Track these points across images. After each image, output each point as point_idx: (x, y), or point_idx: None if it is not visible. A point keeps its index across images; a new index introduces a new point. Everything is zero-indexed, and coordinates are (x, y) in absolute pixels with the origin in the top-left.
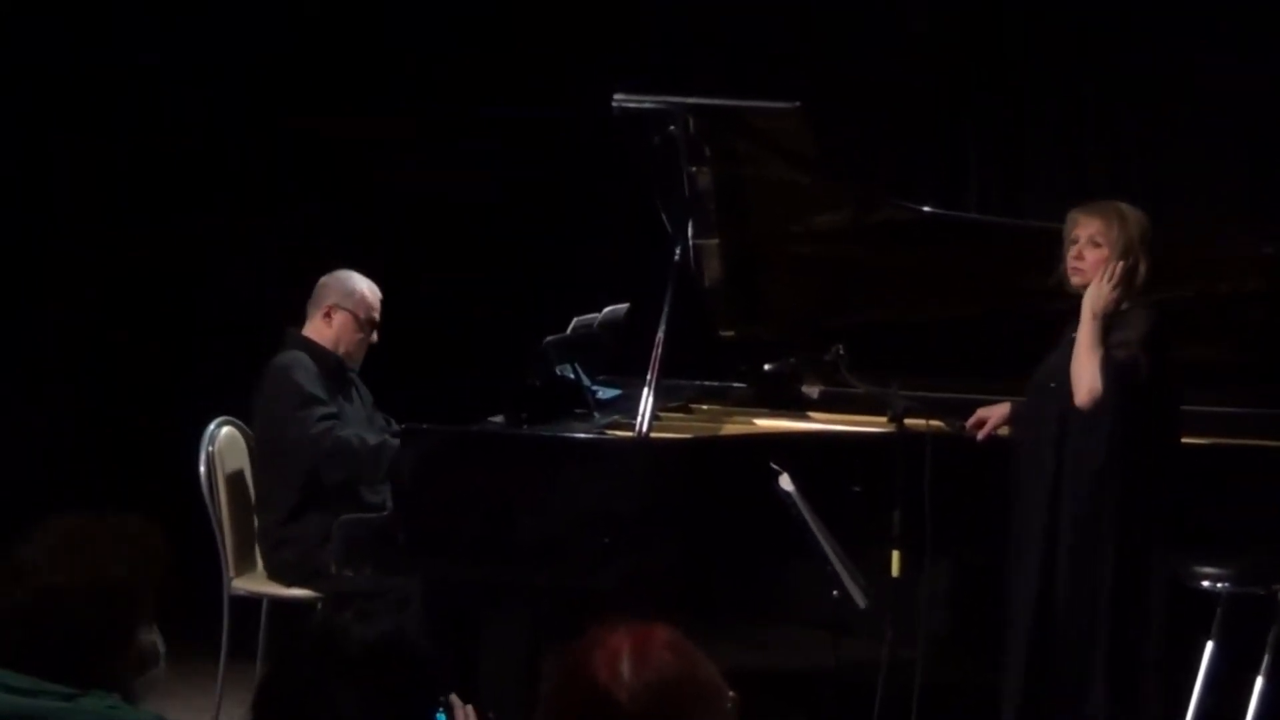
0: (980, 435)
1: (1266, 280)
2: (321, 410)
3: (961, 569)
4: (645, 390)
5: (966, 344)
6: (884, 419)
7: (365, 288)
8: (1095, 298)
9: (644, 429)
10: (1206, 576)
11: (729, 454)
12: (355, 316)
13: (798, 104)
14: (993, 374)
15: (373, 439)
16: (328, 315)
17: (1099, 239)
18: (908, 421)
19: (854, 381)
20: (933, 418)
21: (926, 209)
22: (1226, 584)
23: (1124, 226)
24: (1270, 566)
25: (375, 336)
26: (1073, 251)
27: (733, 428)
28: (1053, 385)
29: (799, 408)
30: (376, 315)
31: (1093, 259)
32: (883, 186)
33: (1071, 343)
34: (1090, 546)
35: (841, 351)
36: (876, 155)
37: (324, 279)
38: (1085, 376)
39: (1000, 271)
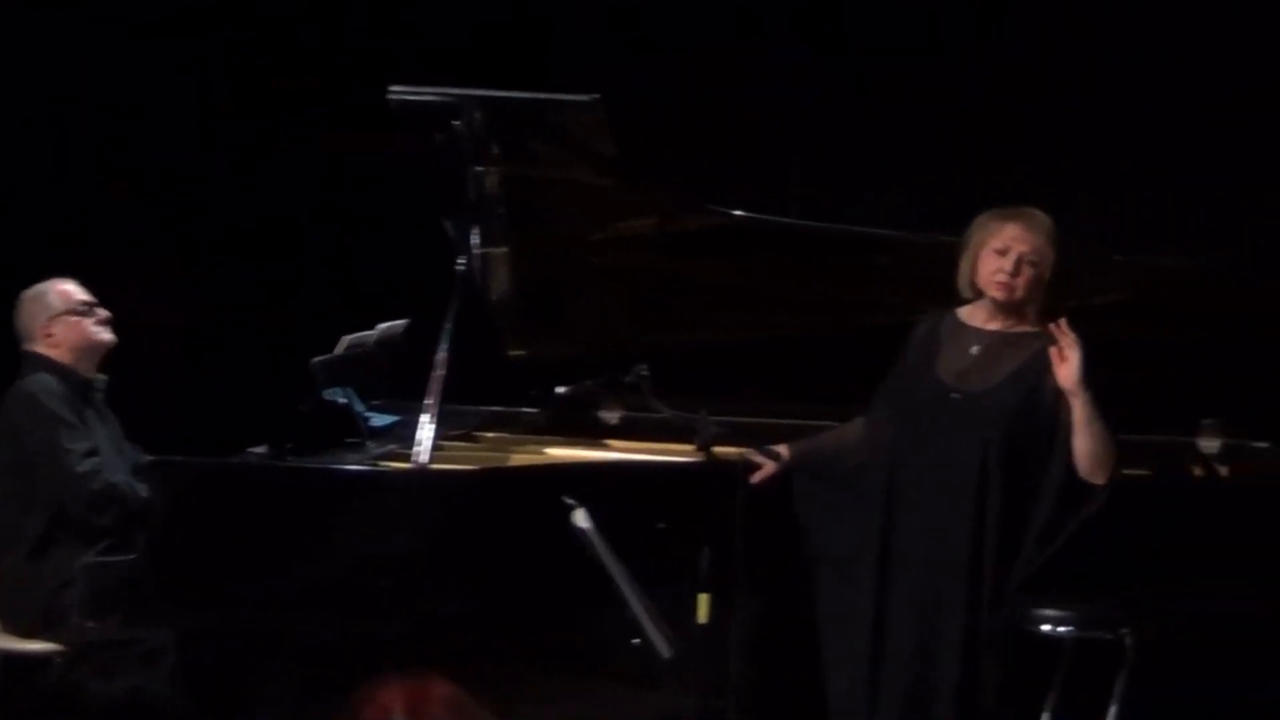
0: (755, 479)
1: (1125, 292)
2: (86, 445)
3: (777, 612)
4: (425, 417)
5: (785, 364)
6: (691, 448)
7: (54, 286)
8: (1078, 374)
9: (423, 460)
10: (1048, 620)
11: (518, 487)
12: (70, 312)
13: (596, 97)
14: (814, 397)
15: (143, 489)
16: (49, 335)
17: (1036, 259)
18: (717, 450)
19: (658, 406)
20: (745, 446)
21: (740, 213)
22: (1071, 628)
23: (1054, 248)
24: (1118, 609)
25: (110, 333)
26: (1004, 264)
27: (522, 458)
28: (955, 396)
29: (596, 435)
30: (85, 294)
31: (1027, 279)
32: (692, 190)
33: (928, 347)
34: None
35: (644, 372)
36: (687, 156)
37: (17, 311)
38: (1107, 456)
39: (823, 283)
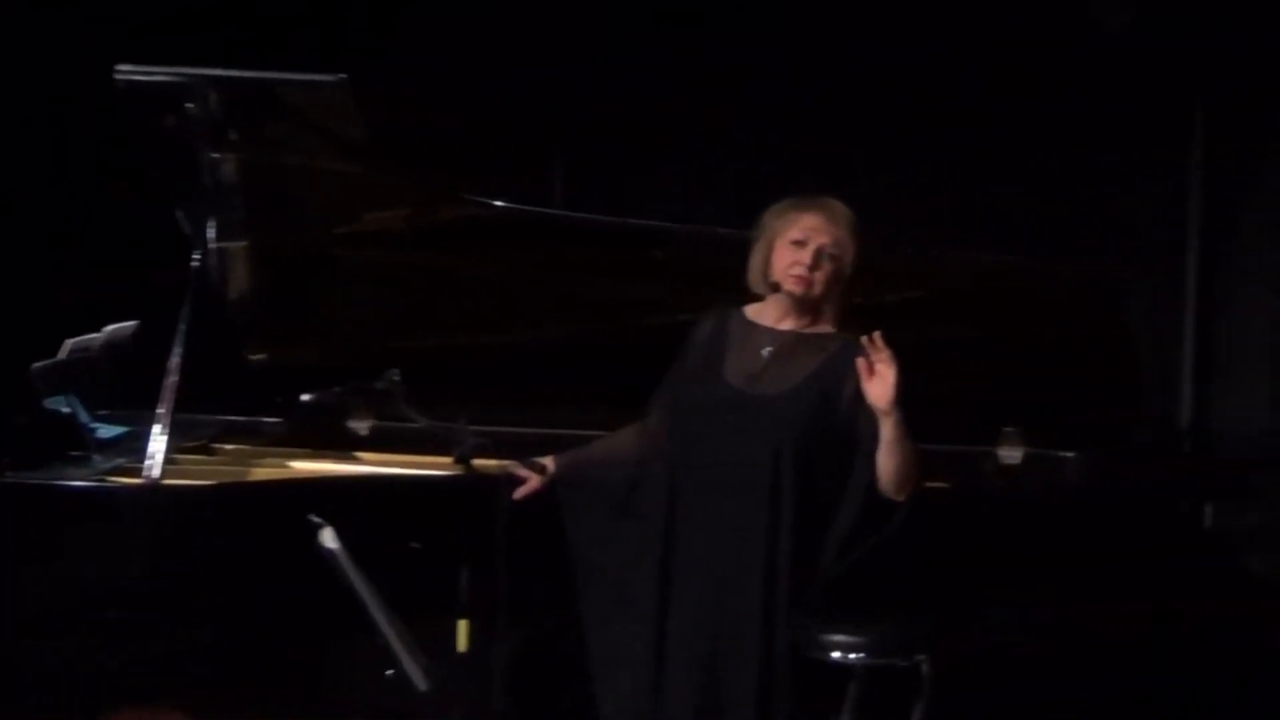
0: (518, 495)
1: (920, 289)
2: None
3: (544, 639)
4: (157, 427)
5: (552, 369)
6: (449, 460)
7: None
8: (892, 394)
9: (155, 475)
10: (838, 647)
11: (260, 504)
12: None
13: (342, 77)
14: (584, 404)
15: None
16: None
17: (836, 252)
18: (477, 463)
19: (412, 414)
20: (508, 458)
21: (500, 204)
22: (862, 654)
23: (855, 241)
24: (913, 633)
25: None
26: (802, 257)
27: (264, 472)
28: (744, 399)
29: (345, 447)
30: None
31: (826, 273)
32: (449, 178)
33: (717, 337)
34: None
35: (397, 378)
36: (446, 145)
37: None
38: (912, 474)
39: (593, 280)
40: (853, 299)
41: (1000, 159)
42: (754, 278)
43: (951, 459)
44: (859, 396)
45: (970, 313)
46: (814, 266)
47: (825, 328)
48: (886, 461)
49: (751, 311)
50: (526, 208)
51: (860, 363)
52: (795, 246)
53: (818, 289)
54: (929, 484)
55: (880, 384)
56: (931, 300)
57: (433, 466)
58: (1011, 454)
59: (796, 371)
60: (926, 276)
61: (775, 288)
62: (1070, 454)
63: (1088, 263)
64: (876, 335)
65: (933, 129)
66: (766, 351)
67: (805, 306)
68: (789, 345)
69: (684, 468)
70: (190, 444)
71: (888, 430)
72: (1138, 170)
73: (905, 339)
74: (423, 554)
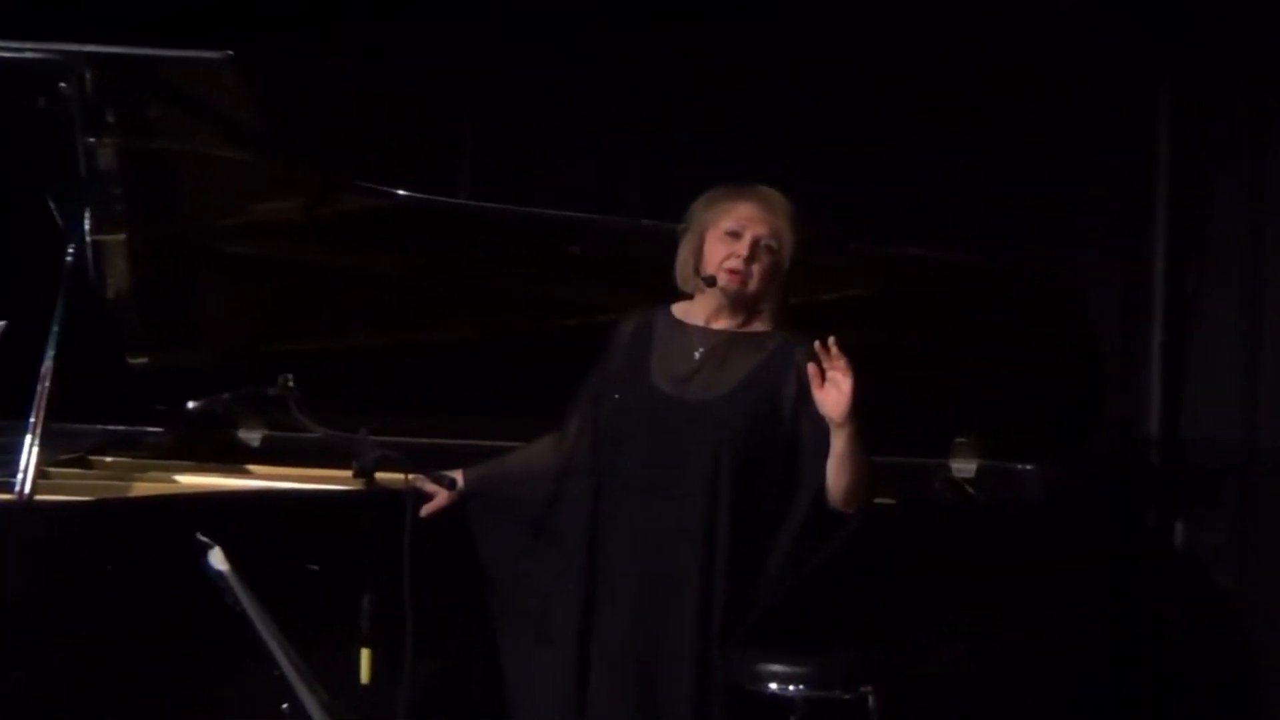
0: (425, 512)
1: (865, 287)
2: None
3: (455, 670)
4: (28, 438)
5: (462, 373)
6: (349, 474)
7: None
8: (848, 406)
9: (25, 489)
10: (776, 677)
11: (141, 521)
12: None
13: (228, 54)
14: (498, 412)
15: None
16: None
17: (775, 244)
18: (380, 477)
19: (308, 424)
20: (414, 471)
21: (404, 193)
22: (802, 686)
23: (794, 233)
24: (858, 663)
25: None
26: (737, 249)
27: (147, 486)
28: (676, 404)
29: (236, 459)
30: None
31: (764, 267)
32: (347, 166)
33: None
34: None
35: (291, 384)
36: (348, 133)
37: None
38: (863, 486)
39: (507, 277)
40: (791, 297)
41: (959, 155)
42: (683, 274)
43: (900, 472)
44: (802, 399)
45: (920, 313)
46: (750, 259)
47: (761, 326)
48: (837, 475)
49: (679, 310)
50: (432, 197)
51: (811, 369)
52: (729, 238)
53: (754, 284)
54: (876, 500)
55: (835, 393)
56: (877, 300)
57: (331, 481)
58: (965, 467)
59: (732, 374)
60: (873, 274)
61: (708, 283)
62: (1028, 466)
63: (1046, 260)
64: (831, 341)
65: (882, 120)
66: (698, 353)
67: (740, 304)
68: (723, 346)
69: (608, 482)
70: (65, 456)
71: (840, 443)
72: (1101, 164)
73: (849, 341)
74: (321, 577)
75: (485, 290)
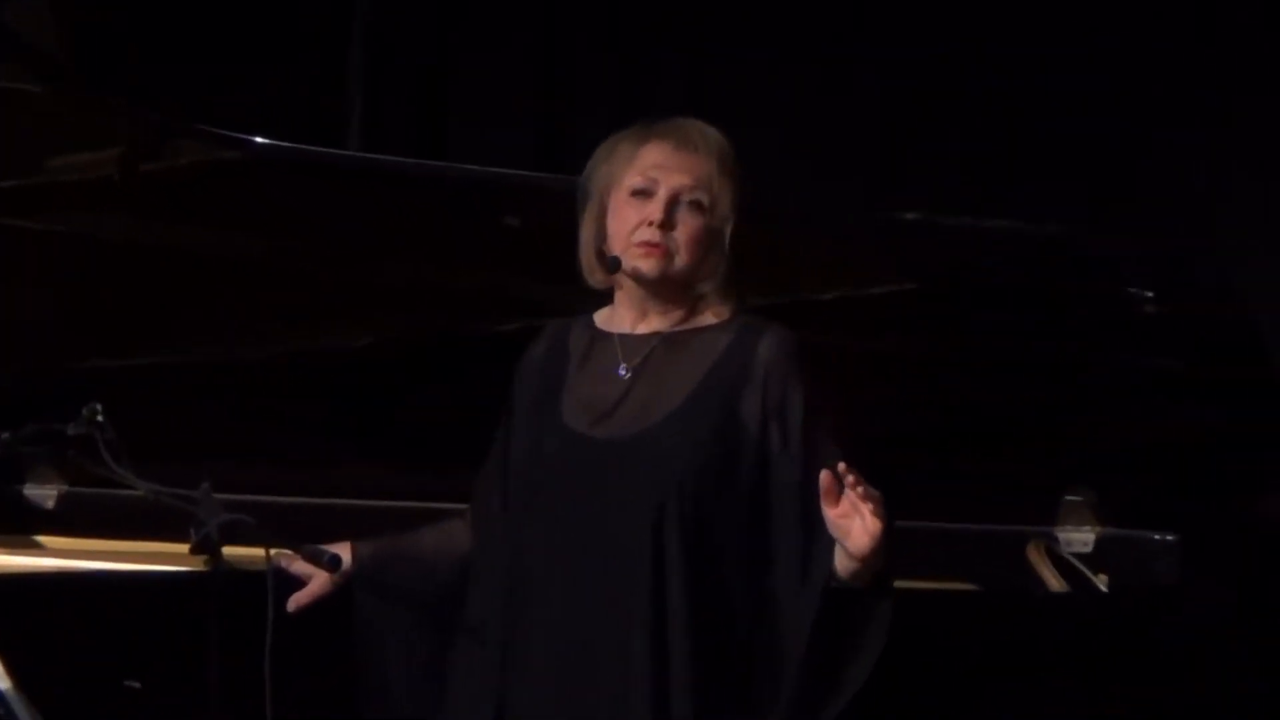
0: (292, 607)
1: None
2: None
3: None
4: None
5: (351, 399)
6: (184, 548)
7: None
8: (874, 546)
9: None
10: None
11: None
12: None
13: None
14: (400, 455)
15: None
16: None
17: (704, 198)
18: (231, 552)
19: (126, 475)
20: (279, 544)
21: (263, 141)
22: None
23: (734, 182)
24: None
25: None
26: (650, 212)
27: None
28: (597, 445)
29: (20, 527)
30: None
31: (692, 231)
32: (189, 103)
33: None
34: None
35: (101, 417)
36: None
37: None
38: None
39: (414, 261)
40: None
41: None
42: (586, 262)
43: (986, 544)
44: (771, 411)
45: (1009, 313)
46: (668, 224)
47: (712, 318)
48: (847, 571)
49: (601, 318)
50: (307, 147)
51: (826, 480)
52: (637, 200)
53: (682, 258)
54: (947, 585)
55: (859, 528)
56: (942, 296)
57: (159, 559)
58: (1080, 537)
59: (673, 391)
60: (937, 260)
61: (611, 268)
62: (1169, 537)
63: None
64: (842, 467)
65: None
66: (624, 370)
67: (669, 290)
68: (657, 356)
69: (524, 562)
70: None
71: (861, 571)
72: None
73: (880, 351)
74: (144, 697)
75: (384, 280)
